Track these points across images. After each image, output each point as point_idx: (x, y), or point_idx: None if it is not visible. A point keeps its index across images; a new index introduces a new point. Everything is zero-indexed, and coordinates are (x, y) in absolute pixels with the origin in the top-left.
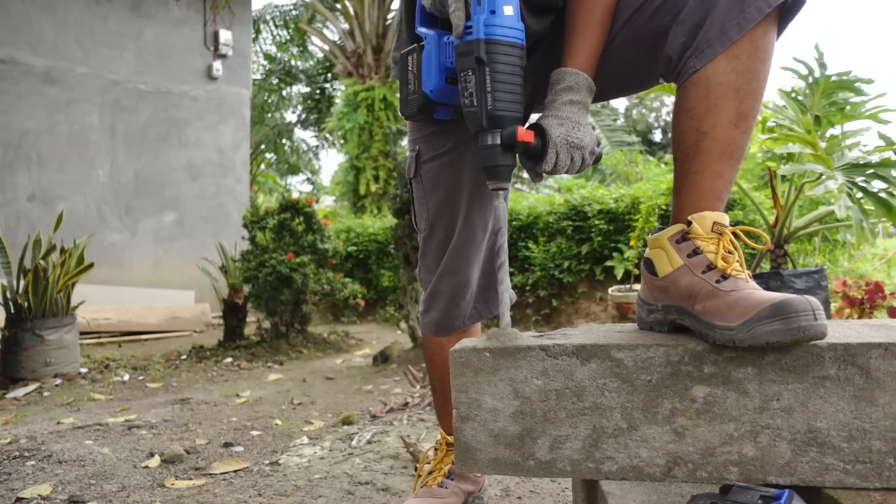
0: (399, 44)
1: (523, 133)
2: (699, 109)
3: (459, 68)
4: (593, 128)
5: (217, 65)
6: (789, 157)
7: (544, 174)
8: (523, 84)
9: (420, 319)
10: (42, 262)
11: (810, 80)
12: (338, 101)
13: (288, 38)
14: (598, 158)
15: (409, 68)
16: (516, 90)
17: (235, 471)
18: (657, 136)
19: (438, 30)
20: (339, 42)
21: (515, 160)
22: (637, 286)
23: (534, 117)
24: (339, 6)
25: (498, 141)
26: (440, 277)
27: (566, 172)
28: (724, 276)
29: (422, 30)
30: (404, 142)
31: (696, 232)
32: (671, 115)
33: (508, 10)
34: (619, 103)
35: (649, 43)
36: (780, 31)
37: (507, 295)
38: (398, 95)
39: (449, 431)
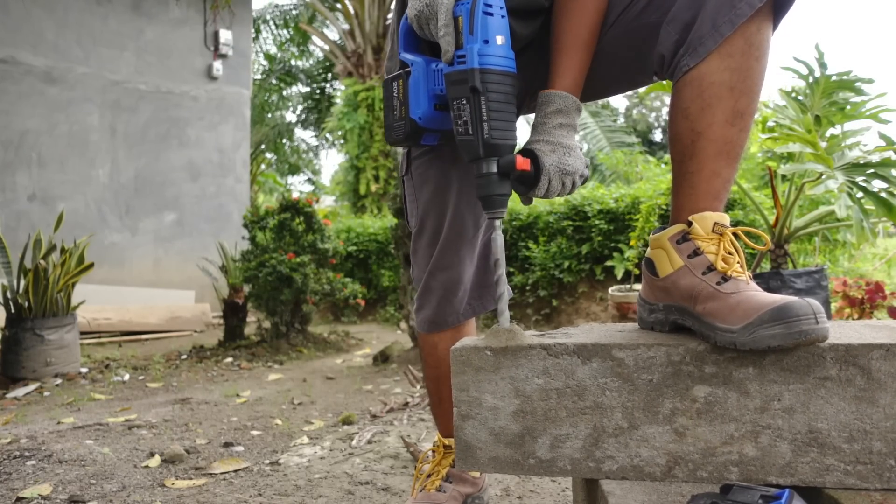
0: (392, 53)
1: (521, 162)
2: (694, 109)
3: (452, 96)
4: (580, 149)
5: (217, 65)
6: (789, 157)
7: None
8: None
9: (415, 318)
10: (42, 261)
11: (810, 79)
12: (338, 101)
13: (288, 37)
14: (585, 179)
15: (395, 94)
16: (511, 118)
17: (235, 470)
18: (657, 136)
19: (425, 55)
20: (339, 42)
21: (511, 187)
22: (637, 286)
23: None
24: (339, 6)
25: (494, 169)
26: (431, 274)
27: (556, 196)
28: (725, 278)
29: (407, 56)
30: None
31: (697, 232)
32: (668, 115)
33: (500, 40)
34: (620, 103)
35: (639, 39)
36: (774, 26)
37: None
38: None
39: (444, 433)
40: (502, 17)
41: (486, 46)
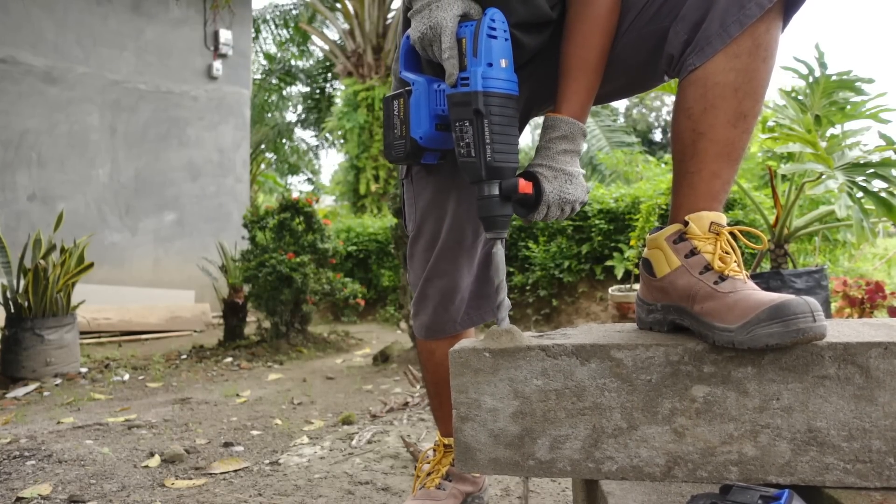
0: (398, 55)
1: (524, 185)
2: (697, 109)
3: (454, 118)
4: (583, 174)
5: (217, 64)
6: (790, 157)
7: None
8: (518, 130)
9: (412, 323)
10: (42, 261)
11: (811, 79)
12: (338, 100)
13: (288, 37)
14: (584, 204)
15: (396, 113)
16: (513, 141)
17: (235, 470)
18: (657, 135)
19: (427, 75)
20: (339, 41)
21: (512, 209)
22: (637, 286)
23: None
24: (339, 6)
25: (496, 192)
26: (427, 281)
27: (555, 220)
28: (722, 277)
29: (409, 75)
30: None
31: (693, 232)
32: (671, 115)
33: (504, 63)
34: (619, 103)
35: (652, 45)
36: (783, 25)
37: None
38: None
39: (445, 434)
40: (506, 39)
41: (489, 69)
